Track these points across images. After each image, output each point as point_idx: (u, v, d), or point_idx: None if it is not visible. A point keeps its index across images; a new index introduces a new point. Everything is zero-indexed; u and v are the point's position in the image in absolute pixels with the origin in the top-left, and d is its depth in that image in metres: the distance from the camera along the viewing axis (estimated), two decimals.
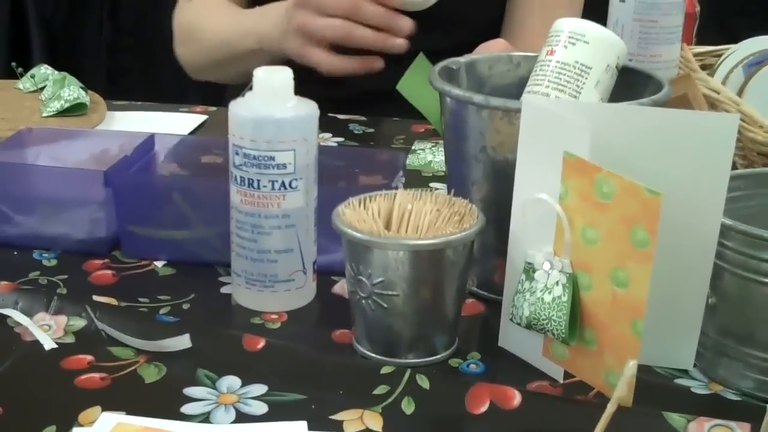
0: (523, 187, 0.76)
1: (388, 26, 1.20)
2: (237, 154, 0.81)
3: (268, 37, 1.29)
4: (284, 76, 0.81)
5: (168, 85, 2.18)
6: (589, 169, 0.70)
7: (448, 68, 0.91)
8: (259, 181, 0.80)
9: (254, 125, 0.80)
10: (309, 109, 0.82)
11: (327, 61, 1.22)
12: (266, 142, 0.80)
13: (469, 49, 1.11)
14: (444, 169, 1.13)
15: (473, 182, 0.85)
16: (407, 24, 1.20)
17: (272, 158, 0.80)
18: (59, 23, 2.41)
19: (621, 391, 0.58)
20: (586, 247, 0.72)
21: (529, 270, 0.75)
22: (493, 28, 1.39)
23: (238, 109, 0.81)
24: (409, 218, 0.78)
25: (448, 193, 0.86)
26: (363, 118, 1.32)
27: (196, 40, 1.45)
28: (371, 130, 1.29)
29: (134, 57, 2.30)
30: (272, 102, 0.80)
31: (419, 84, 1.14)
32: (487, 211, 0.80)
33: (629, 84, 0.89)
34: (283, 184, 0.80)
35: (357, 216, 0.78)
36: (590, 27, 0.88)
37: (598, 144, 0.71)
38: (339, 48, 1.22)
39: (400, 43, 1.20)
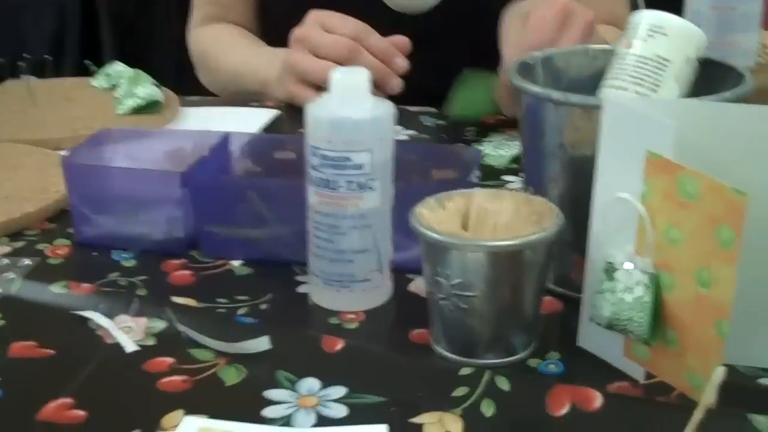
0: (604, 186, 0.75)
1: (387, 61, 1.21)
2: (314, 155, 0.81)
3: (268, 82, 1.34)
4: (361, 76, 0.81)
5: None
6: (673, 168, 0.69)
7: (524, 63, 0.90)
8: (336, 181, 0.80)
9: (331, 126, 0.80)
10: (385, 109, 0.81)
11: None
12: (343, 142, 0.79)
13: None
14: (505, 163, 1.12)
15: (550, 179, 0.84)
16: (404, 63, 1.22)
17: (349, 159, 0.79)
18: (129, 17, 2.44)
19: (709, 398, 0.57)
20: (669, 247, 0.70)
21: (610, 270, 0.74)
22: None
23: (315, 110, 0.81)
24: (486, 218, 0.78)
25: (525, 188, 0.86)
26: (434, 110, 1.31)
27: (211, 70, 1.50)
28: (442, 122, 1.28)
29: None
30: (349, 103, 0.80)
31: (472, 100, 1.14)
32: (564, 207, 0.79)
33: (708, 75, 0.87)
34: (359, 184, 0.80)
35: (435, 216, 0.77)
36: (669, 19, 0.86)
37: (682, 142, 0.70)
38: None
39: (397, 83, 1.22)
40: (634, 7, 1.47)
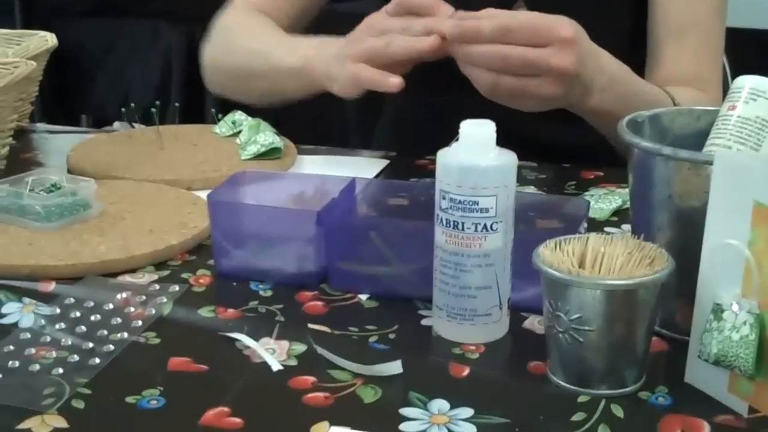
0: (713, 233, 0.82)
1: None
2: (444, 198, 0.89)
3: (310, 59, 1.26)
4: (488, 129, 0.89)
5: (330, 130, 2.28)
6: None
7: (633, 121, 0.97)
8: (463, 223, 0.88)
9: (460, 173, 0.88)
10: (510, 158, 0.89)
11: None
12: (471, 188, 0.87)
13: None
14: (606, 216, 1.19)
15: (659, 228, 0.91)
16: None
17: (476, 203, 0.87)
18: None
19: None
20: None
21: (718, 310, 0.81)
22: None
23: (446, 158, 0.89)
24: (602, 260, 0.85)
25: (633, 236, 0.93)
26: (534, 164, 1.38)
27: (233, 40, 1.41)
28: (543, 176, 1.35)
29: (298, 104, 2.41)
30: (476, 152, 0.88)
31: None
32: (671, 254, 0.86)
33: None
34: (485, 226, 0.88)
35: (554, 256, 0.85)
36: None
37: None
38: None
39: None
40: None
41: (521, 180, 1.33)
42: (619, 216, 1.19)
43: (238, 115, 1.44)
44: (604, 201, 1.22)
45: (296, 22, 1.48)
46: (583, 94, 1.19)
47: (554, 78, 1.12)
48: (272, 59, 1.33)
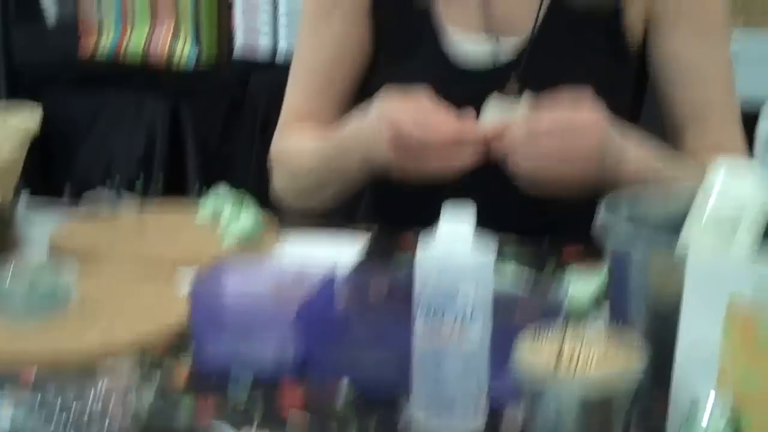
0: (688, 328, 0.83)
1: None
2: (423, 294, 0.89)
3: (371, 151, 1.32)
4: (466, 225, 0.90)
5: None
6: (754, 311, 0.77)
7: (612, 203, 0.98)
8: (442, 314, 0.89)
9: (439, 274, 0.89)
10: (488, 254, 0.90)
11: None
12: (450, 281, 0.88)
13: None
14: (586, 302, 1.20)
15: (635, 317, 0.92)
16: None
17: (455, 295, 0.88)
18: (214, 144, 2.57)
19: None
20: (749, 384, 0.78)
21: (694, 405, 0.81)
22: None
23: (424, 263, 0.90)
24: (578, 356, 0.86)
25: (610, 325, 0.94)
26: (513, 237, 1.38)
27: (291, 165, 1.49)
28: (523, 248, 1.35)
29: None
30: (455, 250, 0.89)
31: None
32: (648, 344, 0.86)
33: None
34: (464, 317, 0.89)
35: (531, 354, 0.85)
36: (745, 173, 0.95)
37: (762, 289, 0.78)
38: None
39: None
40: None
41: (500, 254, 1.33)
42: (599, 299, 1.19)
43: (220, 198, 1.45)
44: (583, 284, 1.22)
45: (343, 108, 1.50)
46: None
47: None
48: (335, 171, 1.42)
